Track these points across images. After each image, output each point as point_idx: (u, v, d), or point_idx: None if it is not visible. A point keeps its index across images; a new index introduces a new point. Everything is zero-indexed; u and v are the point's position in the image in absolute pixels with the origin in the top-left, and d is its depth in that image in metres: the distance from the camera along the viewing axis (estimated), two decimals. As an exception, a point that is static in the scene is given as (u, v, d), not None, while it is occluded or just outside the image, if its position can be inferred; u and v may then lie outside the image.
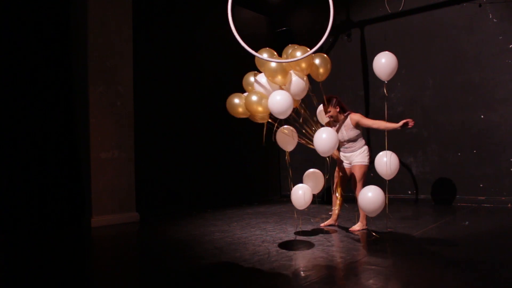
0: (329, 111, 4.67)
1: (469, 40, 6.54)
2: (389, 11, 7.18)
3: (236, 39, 4.01)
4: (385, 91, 4.60)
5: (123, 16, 5.87)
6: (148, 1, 6.53)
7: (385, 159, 4.36)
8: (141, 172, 6.06)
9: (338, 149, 4.88)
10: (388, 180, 4.40)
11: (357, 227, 4.68)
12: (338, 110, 4.67)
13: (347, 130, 4.64)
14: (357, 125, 4.63)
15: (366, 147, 4.68)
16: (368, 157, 4.68)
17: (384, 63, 4.49)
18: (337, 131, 4.67)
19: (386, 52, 4.53)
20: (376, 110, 7.16)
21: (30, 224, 5.24)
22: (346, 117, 4.67)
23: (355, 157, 4.66)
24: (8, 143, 5.18)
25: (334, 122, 4.78)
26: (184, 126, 6.92)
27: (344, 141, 4.70)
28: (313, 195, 4.71)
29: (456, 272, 3.09)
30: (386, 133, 4.51)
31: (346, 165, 4.79)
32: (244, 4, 8.04)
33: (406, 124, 4.29)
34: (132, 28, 5.97)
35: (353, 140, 4.66)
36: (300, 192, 4.50)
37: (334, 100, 4.66)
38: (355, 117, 4.62)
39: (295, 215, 5.12)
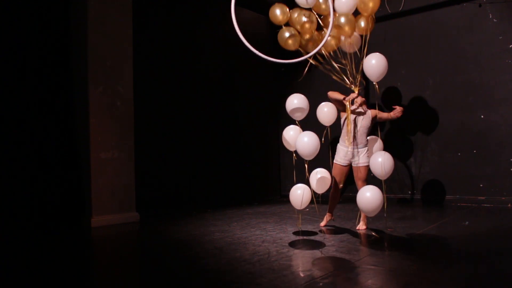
0: (359, 96, 4.79)
1: (469, 40, 6.54)
2: (389, 11, 7.18)
3: (243, 42, 4.03)
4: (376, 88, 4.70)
5: (123, 16, 5.87)
6: (148, 1, 6.53)
7: (380, 159, 4.39)
8: (141, 172, 6.06)
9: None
10: (387, 180, 4.41)
11: (362, 226, 4.72)
12: (364, 107, 4.80)
13: (364, 117, 4.73)
14: (374, 118, 4.75)
15: (367, 147, 4.75)
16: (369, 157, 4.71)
17: (374, 64, 4.64)
18: (354, 118, 4.77)
19: (377, 53, 4.68)
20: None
21: (30, 224, 5.24)
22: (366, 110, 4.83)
23: (360, 157, 4.68)
24: (8, 143, 5.18)
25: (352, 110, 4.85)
26: (184, 126, 6.92)
27: (356, 130, 4.73)
28: (315, 194, 4.74)
29: (456, 272, 3.09)
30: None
31: (345, 163, 4.77)
32: (244, 4, 8.04)
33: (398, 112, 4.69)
34: (132, 28, 5.97)
35: (364, 128, 4.71)
36: (299, 192, 4.52)
37: (364, 100, 4.85)
38: (375, 111, 4.80)
39: (296, 214, 5.11)
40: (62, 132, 5.66)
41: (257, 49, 4.29)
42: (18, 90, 5.32)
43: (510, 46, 6.22)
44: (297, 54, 4.85)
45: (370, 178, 4.72)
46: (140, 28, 6.23)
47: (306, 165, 4.61)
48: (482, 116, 6.43)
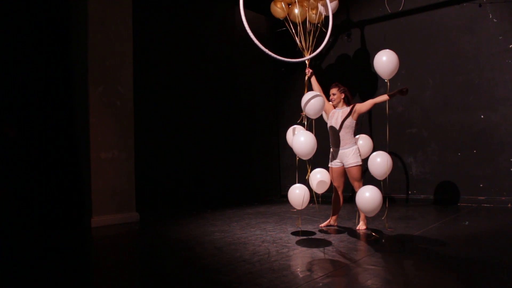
0: (334, 94, 4.79)
1: (469, 40, 6.54)
2: (389, 11, 7.18)
3: (252, 40, 4.08)
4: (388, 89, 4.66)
5: (123, 16, 5.87)
6: (148, 1, 6.53)
7: (378, 159, 4.41)
8: (141, 172, 6.06)
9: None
10: (387, 180, 4.41)
11: (362, 226, 4.71)
12: (342, 97, 4.76)
13: (343, 116, 4.68)
14: (354, 114, 4.65)
15: (357, 146, 4.70)
16: (360, 156, 4.70)
17: (385, 61, 4.54)
18: (332, 114, 4.77)
19: (388, 50, 4.60)
20: (376, 110, 7.15)
21: (30, 224, 5.24)
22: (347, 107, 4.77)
23: (348, 158, 4.64)
24: (8, 143, 5.18)
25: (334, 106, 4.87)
26: (184, 126, 6.92)
27: (336, 129, 4.70)
28: (316, 194, 4.75)
29: (456, 272, 3.09)
30: (388, 133, 4.53)
31: (337, 164, 4.77)
32: (244, 4, 8.03)
33: (402, 92, 4.52)
34: (132, 28, 5.97)
35: (345, 128, 4.65)
36: (298, 191, 4.53)
37: (343, 88, 4.79)
38: (354, 105, 4.70)
39: (297, 214, 5.12)
40: (62, 132, 5.66)
41: (256, 49, 4.31)
42: (18, 90, 5.32)
43: (510, 46, 6.22)
44: (297, 53, 4.87)
45: (372, 178, 4.72)
46: (140, 28, 6.23)
47: (308, 167, 4.61)
48: (482, 116, 6.43)
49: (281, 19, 5.98)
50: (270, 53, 4.31)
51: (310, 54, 5.18)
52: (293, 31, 5.43)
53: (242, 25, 4.16)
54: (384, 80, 4.74)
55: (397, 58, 4.61)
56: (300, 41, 5.33)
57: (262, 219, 5.72)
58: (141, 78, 6.20)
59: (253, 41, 4.26)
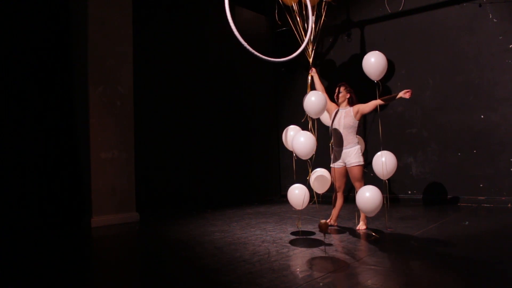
0: (340, 92, 4.84)
1: (469, 40, 6.53)
2: (389, 11, 7.18)
3: (239, 40, 4.06)
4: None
5: (123, 16, 5.87)
6: (148, 1, 6.53)
7: (383, 159, 4.41)
8: (141, 172, 6.06)
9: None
10: (387, 180, 4.42)
11: (362, 226, 4.71)
12: (348, 96, 4.81)
13: (346, 116, 4.73)
14: (357, 114, 4.70)
15: (359, 146, 4.72)
16: (362, 156, 4.71)
17: (373, 63, 4.61)
18: (335, 114, 4.82)
19: (376, 51, 4.65)
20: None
21: (30, 224, 5.24)
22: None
23: (350, 158, 4.66)
24: (8, 143, 5.18)
25: (338, 105, 4.91)
26: (184, 126, 6.92)
27: (338, 129, 4.72)
28: (317, 194, 4.76)
29: (456, 272, 3.09)
30: (381, 133, 4.53)
31: (339, 164, 4.77)
32: (244, 4, 8.04)
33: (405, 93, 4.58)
34: (132, 28, 5.97)
35: (347, 128, 4.68)
36: (297, 191, 4.53)
37: (349, 88, 4.85)
38: (357, 106, 4.75)
39: (297, 214, 5.12)
40: (62, 132, 5.66)
41: (257, 49, 4.29)
42: (19, 90, 5.32)
43: (510, 46, 6.22)
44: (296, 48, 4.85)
45: (371, 178, 4.72)
46: (140, 28, 6.23)
47: (309, 167, 4.61)
48: (482, 116, 6.43)
49: (290, 6, 5.78)
50: (260, 55, 4.27)
51: (311, 53, 5.18)
52: (298, 21, 5.37)
53: (241, 25, 4.14)
54: (374, 81, 4.79)
55: (385, 60, 4.69)
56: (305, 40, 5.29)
57: (262, 219, 5.72)
58: (141, 78, 6.20)
59: (250, 40, 4.24)
